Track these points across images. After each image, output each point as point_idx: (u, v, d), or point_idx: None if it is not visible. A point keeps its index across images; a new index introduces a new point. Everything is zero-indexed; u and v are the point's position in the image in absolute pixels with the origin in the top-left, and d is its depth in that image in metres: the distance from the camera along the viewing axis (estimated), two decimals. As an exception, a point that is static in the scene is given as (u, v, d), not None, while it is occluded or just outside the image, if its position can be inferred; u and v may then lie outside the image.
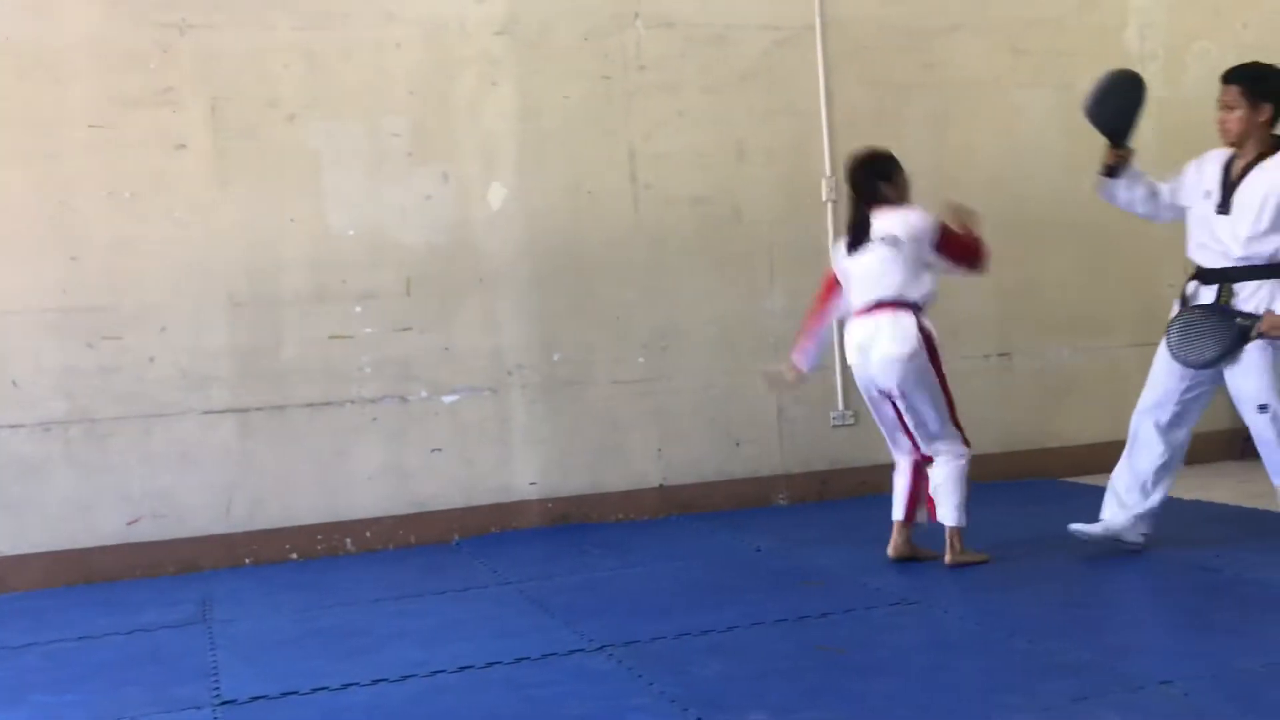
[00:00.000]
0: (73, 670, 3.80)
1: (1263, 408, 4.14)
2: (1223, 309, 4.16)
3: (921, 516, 4.52)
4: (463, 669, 3.52)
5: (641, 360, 5.72)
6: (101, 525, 5.01)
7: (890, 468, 4.54)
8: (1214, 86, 4.17)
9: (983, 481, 5.00)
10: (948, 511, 4.39)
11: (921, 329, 4.31)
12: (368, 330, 5.35)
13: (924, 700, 3.08)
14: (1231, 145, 4.24)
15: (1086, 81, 4.38)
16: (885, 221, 4.35)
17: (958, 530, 4.40)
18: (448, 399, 5.46)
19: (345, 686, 3.43)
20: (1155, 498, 4.43)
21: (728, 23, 5.83)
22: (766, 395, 5.70)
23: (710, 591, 4.30)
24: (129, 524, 5.04)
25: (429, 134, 5.45)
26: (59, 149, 4.95)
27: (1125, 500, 4.44)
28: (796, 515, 5.38)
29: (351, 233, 5.33)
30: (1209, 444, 6.61)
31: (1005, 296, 6.16)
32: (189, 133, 5.11)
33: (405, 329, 5.39)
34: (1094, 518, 4.62)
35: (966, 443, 4.43)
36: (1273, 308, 4.10)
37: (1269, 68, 4.22)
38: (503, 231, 5.55)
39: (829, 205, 5.99)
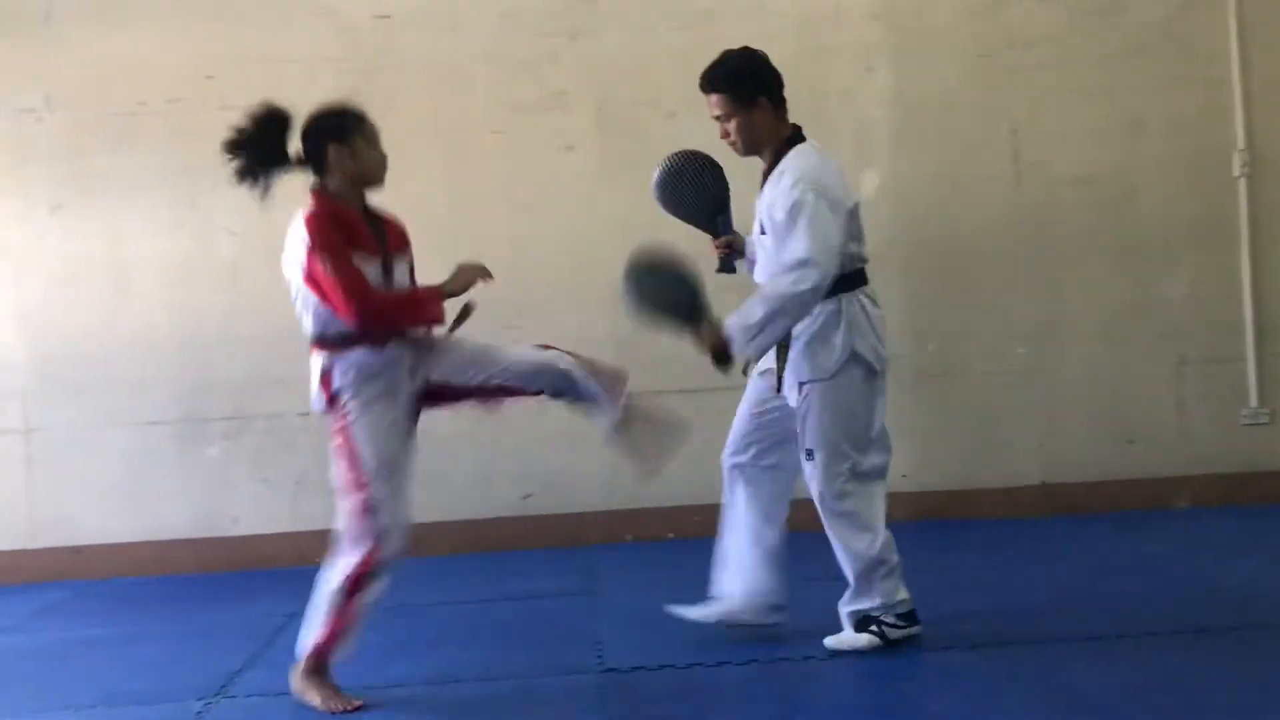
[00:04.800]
0: (475, 629, 4.16)
1: (809, 454, 3.58)
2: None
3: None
4: (833, 655, 3.54)
5: (1022, 351, 5.45)
6: (498, 498, 5.44)
7: None
8: None
9: None
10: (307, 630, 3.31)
11: (325, 376, 3.24)
12: (741, 319, 5.45)
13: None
14: (752, 155, 3.64)
15: None
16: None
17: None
18: (819, 388, 5.46)
19: (719, 665, 3.53)
20: None
21: (1126, -10, 5.45)
22: (1165, 390, 5.27)
23: (1092, 597, 4.04)
24: (523, 498, 5.46)
25: (802, 123, 5.45)
26: (465, 153, 5.42)
27: None
28: (1198, 521, 4.94)
29: (726, 224, 5.45)
30: None
31: None
32: (577, 134, 5.43)
33: (777, 318, 5.45)
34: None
35: (371, 541, 3.22)
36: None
37: (743, 63, 3.64)
38: (874, 218, 5.44)
39: (1241, 181, 5.44)
